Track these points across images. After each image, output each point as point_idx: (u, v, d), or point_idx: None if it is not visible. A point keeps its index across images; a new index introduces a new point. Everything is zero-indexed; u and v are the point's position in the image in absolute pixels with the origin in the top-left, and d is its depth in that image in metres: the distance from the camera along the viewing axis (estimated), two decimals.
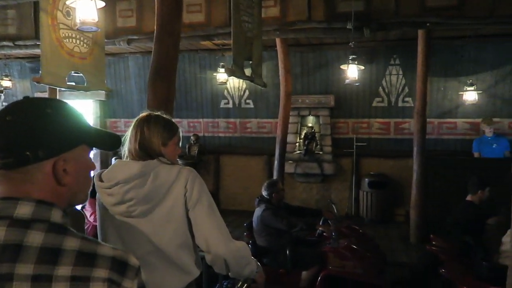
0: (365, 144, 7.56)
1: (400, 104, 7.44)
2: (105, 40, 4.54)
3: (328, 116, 7.62)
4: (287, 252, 3.89)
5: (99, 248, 0.89)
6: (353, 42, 5.30)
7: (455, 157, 6.66)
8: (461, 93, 6.69)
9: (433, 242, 4.19)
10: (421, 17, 5.36)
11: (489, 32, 6.26)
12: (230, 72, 4.24)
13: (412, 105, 7.02)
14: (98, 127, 1.33)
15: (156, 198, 1.65)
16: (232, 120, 8.25)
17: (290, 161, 7.49)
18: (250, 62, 4.64)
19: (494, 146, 6.33)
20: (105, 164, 8.35)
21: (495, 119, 7.05)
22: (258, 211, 4.10)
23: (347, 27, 5.42)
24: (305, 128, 7.79)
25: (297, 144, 7.83)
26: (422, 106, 5.94)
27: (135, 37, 6.21)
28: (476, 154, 6.48)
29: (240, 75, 4.39)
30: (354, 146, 7.54)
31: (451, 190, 5.93)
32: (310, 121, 7.85)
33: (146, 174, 1.65)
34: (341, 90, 7.42)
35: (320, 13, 5.70)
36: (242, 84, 8.01)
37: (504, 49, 6.77)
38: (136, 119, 1.79)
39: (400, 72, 7.37)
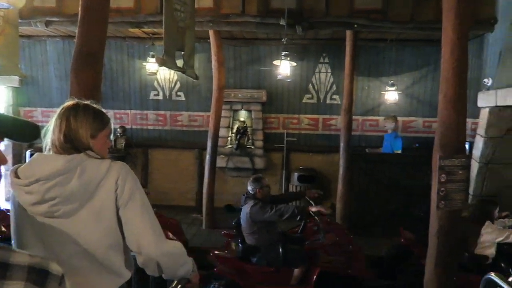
0: (295, 139, 7.76)
1: (328, 101, 7.73)
2: (19, 20, 4.10)
3: (260, 111, 7.69)
4: (280, 249, 3.75)
5: (12, 256, 0.76)
6: (285, 39, 5.39)
7: (377, 152, 7.07)
8: (383, 92, 7.14)
9: (402, 235, 4.38)
10: (350, 19, 5.61)
11: (409, 37, 6.73)
12: (161, 62, 4.07)
13: (339, 102, 7.35)
14: (12, 115, 1.16)
15: (83, 196, 1.49)
16: (162, 112, 7.96)
17: (222, 155, 7.43)
18: (182, 53, 4.50)
19: (386, 144, 6.82)
20: (18, 158, 7.60)
21: (412, 118, 7.66)
22: (245, 208, 3.89)
23: (280, 23, 5.49)
24: (237, 122, 7.78)
25: (229, 138, 7.79)
26: (349, 103, 6.23)
27: (54, 19, 5.72)
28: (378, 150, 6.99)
29: (172, 66, 4.24)
30: (285, 141, 7.71)
31: (373, 183, 6.33)
32: (242, 115, 7.85)
33: (72, 170, 1.48)
34: (273, 85, 7.53)
35: (254, 7, 5.71)
36: (173, 76, 7.77)
37: (421, 53, 7.35)
38: (61, 107, 1.59)
39: (329, 71, 7.66)
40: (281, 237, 3.97)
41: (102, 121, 1.62)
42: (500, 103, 5.14)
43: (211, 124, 6.52)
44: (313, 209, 3.91)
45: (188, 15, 4.54)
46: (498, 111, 5.33)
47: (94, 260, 1.53)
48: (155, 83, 7.86)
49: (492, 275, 2.16)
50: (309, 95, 7.77)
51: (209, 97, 6.83)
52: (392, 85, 6.90)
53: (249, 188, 4.02)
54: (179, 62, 4.43)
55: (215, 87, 6.44)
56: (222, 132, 7.31)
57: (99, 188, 1.51)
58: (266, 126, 7.81)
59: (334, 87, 7.67)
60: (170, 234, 4.45)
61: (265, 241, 3.87)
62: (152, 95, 7.92)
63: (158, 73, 7.45)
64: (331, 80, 7.67)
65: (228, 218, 7.11)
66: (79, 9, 2.95)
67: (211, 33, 6.19)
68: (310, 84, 7.74)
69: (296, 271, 3.85)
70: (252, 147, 7.68)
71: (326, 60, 7.64)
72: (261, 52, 7.63)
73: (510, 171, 5.47)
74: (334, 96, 7.70)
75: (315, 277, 3.74)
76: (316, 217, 4.11)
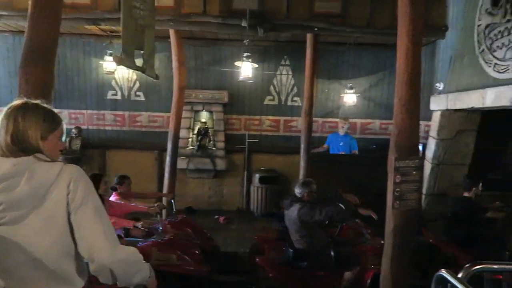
0: (256, 140, 7.78)
1: (289, 103, 7.83)
2: None
3: (222, 112, 7.65)
4: (331, 252, 3.69)
5: None
6: (247, 40, 5.40)
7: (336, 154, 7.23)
8: (342, 95, 7.32)
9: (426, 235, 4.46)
10: (310, 22, 5.70)
11: (366, 41, 6.94)
12: (119, 61, 3.96)
13: (300, 104, 7.46)
14: None
15: (32, 201, 1.41)
16: (120, 112, 7.73)
17: (183, 157, 7.33)
18: (142, 52, 4.40)
19: (341, 144, 7.04)
20: None
21: (369, 120, 7.90)
22: (292, 211, 3.78)
23: (242, 24, 5.49)
24: (199, 123, 7.70)
25: (190, 139, 7.69)
26: (309, 105, 6.32)
27: (4, 13, 5.41)
28: (325, 146, 7.14)
29: (130, 64, 4.14)
30: (246, 142, 7.71)
31: (333, 184, 6.45)
32: (204, 116, 7.78)
33: (19, 174, 1.40)
34: (235, 86, 7.52)
35: (216, 7, 5.67)
36: (132, 75, 7.57)
37: (378, 57, 7.61)
38: (8, 107, 1.51)
39: (290, 73, 7.76)
40: (331, 240, 3.92)
41: (53, 121, 1.55)
42: (451, 106, 5.42)
43: (172, 125, 6.40)
44: (364, 212, 3.87)
45: (147, 13, 4.44)
46: (448, 114, 5.61)
47: (44, 269, 1.46)
48: (113, 82, 7.63)
49: (443, 272, 2.24)
50: (271, 97, 7.83)
51: (169, 97, 6.70)
52: (351, 88, 7.10)
53: (297, 191, 3.95)
54: (139, 61, 4.32)
55: (175, 87, 6.34)
56: (183, 133, 7.21)
57: (49, 192, 1.44)
58: (228, 127, 7.79)
59: (295, 89, 7.78)
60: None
61: (316, 245, 3.80)
62: (109, 95, 7.68)
63: (116, 72, 7.23)
64: (292, 82, 7.77)
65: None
66: (29, 3, 2.79)
67: (171, 32, 6.08)
68: (271, 86, 7.80)
69: (347, 274, 3.78)
70: (214, 148, 7.63)
71: (287, 62, 7.73)
72: (222, 53, 7.60)
73: (458, 171, 5.77)
74: (295, 98, 7.80)
75: (369, 280, 3.68)
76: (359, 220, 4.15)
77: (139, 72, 5.40)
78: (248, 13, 5.36)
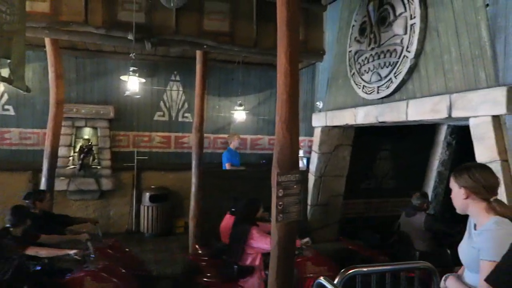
0: (146, 157, 7.48)
1: (180, 119, 7.72)
2: None
3: (107, 128, 7.19)
4: (447, 251, 4.24)
5: None
6: (134, 54, 5.19)
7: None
8: (233, 112, 7.49)
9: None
10: (199, 39, 5.73)
11: (254, 60, 7.25)
12: None
13: (192, 120, 7.40)
14: None
15: None
16: None
17: (62, 177, 6.67)
18: (8, 61, 3.90)
19: (237, 159, 7.31)
20: None
21: (258, 136, 8.20)
22: (418, 218, 4.53)
23: (128, 37, 5.27)
24: (81, 140, 7.12)
25: (71, 158, 7.05)
26: (200, 121, 6.29)
27: None
28: (228, 165, 7.15)
29: None
30: (135, 160, 7.36)
31: (225, 199, 6.49)
32: (87, 133, 7.22)
33: None
34: (122, 101, 7.15)
35: (99, 18, 5.35)
36: None
37: (265, 76, 8.00)
38: None
39: (181, 89, 7.68)
40: (447, 241, 4.48)
41: None
42: (329, 123, 5.91)
43: (48, 143, 5.78)
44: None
45: (16, 18, 3.97)
46: (327, 130, 6.12)
47: None
48: None
49: (321, 279, 2.39)
50: (161, 113, 7.64)
51: (45, 112, 6.06)
52: (240, 105, 7.31)
53: (417, 201, 4.69)
54: (5, 71, 3.82)
55: (52, 101, 5.76)
56: (62, 151, 6.59)
57: None
58: (115, 144, 7.34)
59: (186, 105, 7.72)
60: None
61: (435, 246, 4.51)
62: None
63: None
64: (183, 98, 7.70)
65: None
66: None
67: (47, 41, 5.56)
68: (161, 101, 7.62)
69: (457, 268, 4.07)
70: (98, 167, 7.11)
71: (178, 78, 7.66)
72: (108, 65, 7.21)
73: (337, 182, 6.30)
74: (186, 114, 7.73)
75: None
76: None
77: (7, 84, 4.81)
78: (134, 26, 5.17)
